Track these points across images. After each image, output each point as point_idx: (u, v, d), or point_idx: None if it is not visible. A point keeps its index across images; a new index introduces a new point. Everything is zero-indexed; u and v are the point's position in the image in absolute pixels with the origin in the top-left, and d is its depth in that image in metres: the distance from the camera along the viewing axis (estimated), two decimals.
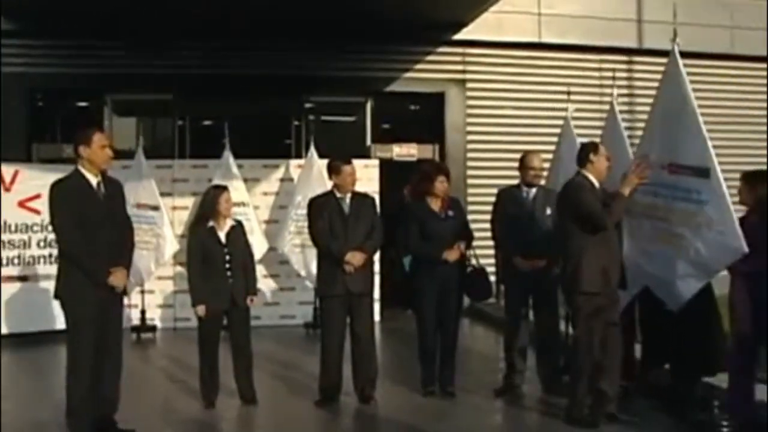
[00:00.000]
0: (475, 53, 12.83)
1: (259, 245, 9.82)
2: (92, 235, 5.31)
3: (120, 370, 5.61)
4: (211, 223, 6.53)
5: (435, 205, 6.75)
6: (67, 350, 5.43)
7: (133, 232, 5.82)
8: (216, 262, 6.45)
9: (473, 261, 6.91)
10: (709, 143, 5.26)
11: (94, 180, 5.44)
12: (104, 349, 5.41)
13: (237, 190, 9.33)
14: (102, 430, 5.49)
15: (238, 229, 6.65)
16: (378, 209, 6.76)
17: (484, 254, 7.34)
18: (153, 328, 10.25)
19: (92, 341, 5.32)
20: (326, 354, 6.51)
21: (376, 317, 7.81)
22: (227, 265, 6.46)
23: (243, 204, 10.18)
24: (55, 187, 5.39)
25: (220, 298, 6.43)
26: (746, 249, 5.04)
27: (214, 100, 12.70)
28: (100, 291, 5.32)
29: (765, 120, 13.25)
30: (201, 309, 6.39)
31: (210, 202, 6.57)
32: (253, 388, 6.59)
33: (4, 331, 9.52)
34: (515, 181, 7.02)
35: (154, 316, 10.54)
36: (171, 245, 10.24)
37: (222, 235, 6.52)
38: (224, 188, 6.76)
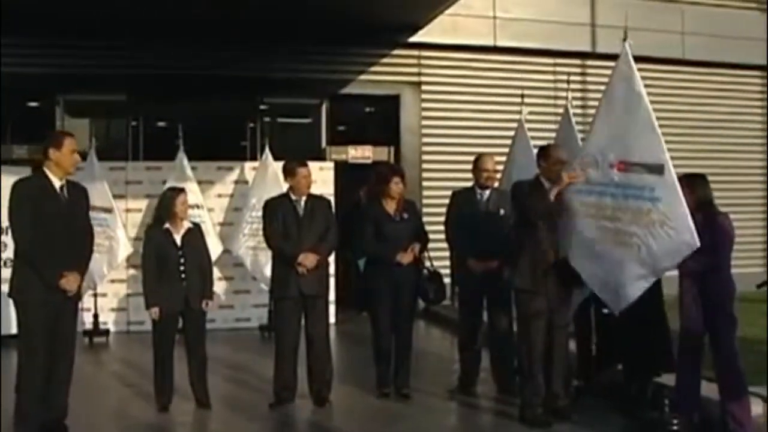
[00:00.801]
0: (431, 56, 12.93)
1: (213, 247, 9.72)
2: (50, 238, 5.31)
3: (71, 374, 5.57)
4: (166, 225, 6.51)
5: (390, 207, 6.78)
6: (18, 353, 5.41)
7: (93, 239, 5.82)
8: (170, 264, 6.42)
9: (427, 263, 6.97)
10: (663, 140, 5.31)
11: (57, 183, 5.44)
12: (56, 353, 5.39)
13: (191, 192, 9.26)
14: None
15: (195, 231, 6.63)
16: (333, 211, 6.77)
17: (439, 256, 7.41)
18: (106, 332, 10.14)
19: (44, 344, 5.29)
20: (280, 356, 6.50)
21: (331, 319, 7.82)
22: (182, 268, 6.43)
23: (197, 206, 10.11)
24: (17, 186, 5.38)
25: (174, 300, 6.41)
26: (698, 243, 5.06)
27: (168, 101, 12.64)
28: (54, 294, 5.30)
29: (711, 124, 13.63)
30: (155, 311, 6.36)
31: (166, 205, 6.55)
32: (207, 391, 6.56)
33: None
34: (470, 183, 7.08)
35: (107, 320, 10.43)
36: (124, 248, 10.13)
37: (177, 238, 6.50)
38: (181, 190, 6.73)
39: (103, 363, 8.97)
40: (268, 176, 10.33)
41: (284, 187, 6.86)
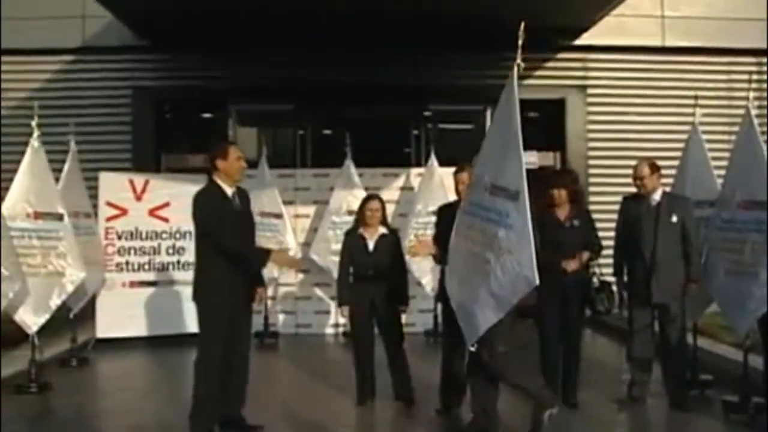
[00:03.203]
0: (597, 58, 12.73)
1: None
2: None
3: (247, 370, 5.87)
4: (360, 231, 6.83)
5: (560, 213, 6.73)
6: (198, 348, 5.70)
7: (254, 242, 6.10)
8: (360, 268, 6.74)
9: (596, 271, 6.84)
10: (524, 166, 5.03)
11: (229, 191, 5.71)
12: (234, 350, 5.68)
13: (357, 198, 9.51)
14: (229, 425, 5.77)
15: (389, 238, 6.86)
16: None
17: (608, 263, 7.27)
18: (275, 334, 10.50)
19: (223, 342, 5.59)
20: (446, 363, 6.52)
21: None
22: (370, 272, 6.72)
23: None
24: (200, 198, 5.66)
25: (363, 302, 6.72)
26: (537, 281, 4.79)
27: (335, 110, 13.00)
28: (233, 296, 5.61)
29: None
30: (344, 310, 6.77)
31: (359, 210, 6.94)
32: (411, 388, 6.80)
33: (134, 334, 10.04)
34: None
35: (276, 323, 10.80)
36: (293, 253, 10.44)
37: (370, 243, 6.78)
38: (373, 197, 7.03)
39: (273, 362, 9.27)
40: (433, 182, 10.45)
41: (449, 193, 6.91)
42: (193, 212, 5.66)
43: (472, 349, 5.32)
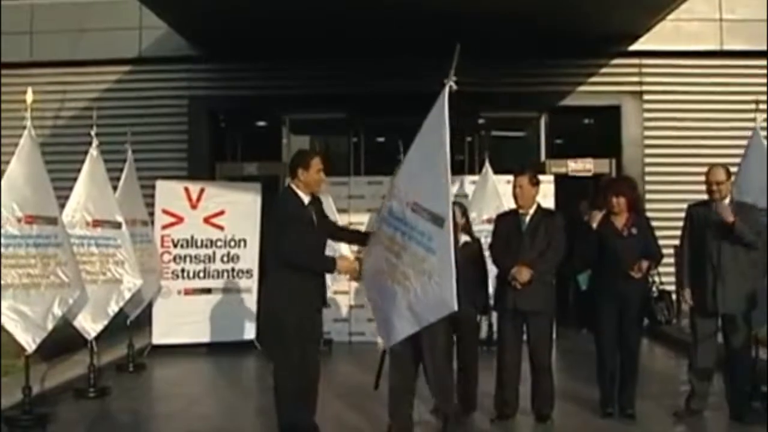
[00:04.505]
0: (653, 63, 12.53)
1: None
2: (312, 249, 5.75)
3: (318, 377, 5.91)
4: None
5: (618, 222, 6.65)
6: (275, 362, 5.76)
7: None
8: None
9: (656, 280, 6.75)
10: (450, 193, 5.09)
11: (305, 198, 5.78)
12: (307, 358, 5.74)
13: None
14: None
15: (472, 246, 6.82)
16: (561, 227, 6.57)
17: (667, 272, 7.17)
18: (329, 342, 10.50)
19: (298, 349, 5.65)
20: (502, 371, 6.54)
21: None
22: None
23: None
24: (281, 204, 5.81)
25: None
26: (455, 307, 4.90)
27: (387, 118, 13.00)
28: (306, 306, 5.70)
29: None
30: None
31: None
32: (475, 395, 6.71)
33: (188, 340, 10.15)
34: (698, 197, 6.80)
35: (330, 330, 10.81)
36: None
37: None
38: (453, 204, 7.01)
39: (330, 371, 9.28)
40: (487, 190, 10.38)
41: (504, 200, 6.87)
42: (275, 220, 5.77)
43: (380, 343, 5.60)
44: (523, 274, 6.28)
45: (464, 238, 6.80)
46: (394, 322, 5.33)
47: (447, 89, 5.19)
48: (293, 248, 5.56)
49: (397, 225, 5.36)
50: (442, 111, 5.20)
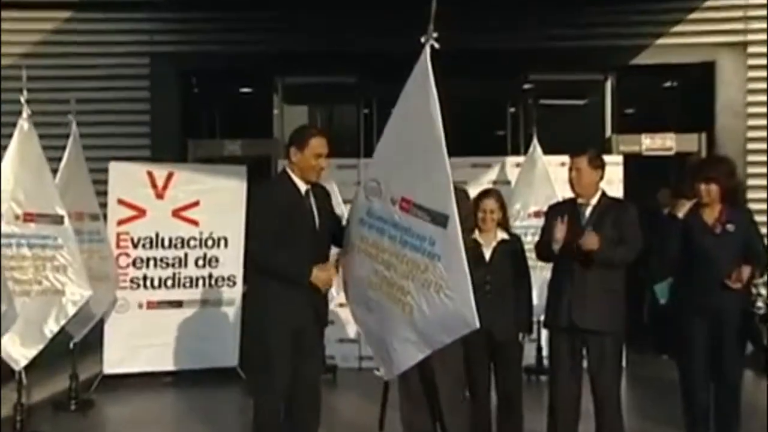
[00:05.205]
0: (761, 3, 12.23)
1: None
2: (296, 249, 5.69)
3: (319, 410, 5.95)
4: (475, 235, 6.75)
5: (708, 215, 6.56)
6: (255, 386, 5.87)
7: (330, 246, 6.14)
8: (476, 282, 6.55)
9: (762, 292, 6.62)
10: (451, 184, 5.07)
11: (303, 187, 5.82)
12: (298, 387, 5.73)
13: None
14: None
15: (510, 245, 6.79)
16: (635, 220, 6.46)
17: None
18: (333, 369, 10.37)
19: (286, 377, 5.65)
20: (554, 407, 6.52)
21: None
22: (487, 288, 6.55)
23: None
24: (260, 190, 5.88)
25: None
26: (477, 324, 4.95)
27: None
28: (298, 317, 5.66)
29: None
30: None
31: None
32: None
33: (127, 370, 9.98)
34: None
35: (334, 353, 10.66)
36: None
37: (486, 252, 6.71)
38: (489, 193, 7.01)
39: (332, 408, 9.20)
40: (536, 175, 10.26)
41: (557, 188, 6.76)
42: (249, 207, 5.94)
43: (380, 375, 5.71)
44: (591, 239, 6.17)
45: (500, 234, 6.79)
46: (394, 348, 5.40)
47: (428, 49, 5.26)
48: (254, 246, 5.61)
49: (382, 228, 5.41)
50: (425, 79, 5.24)
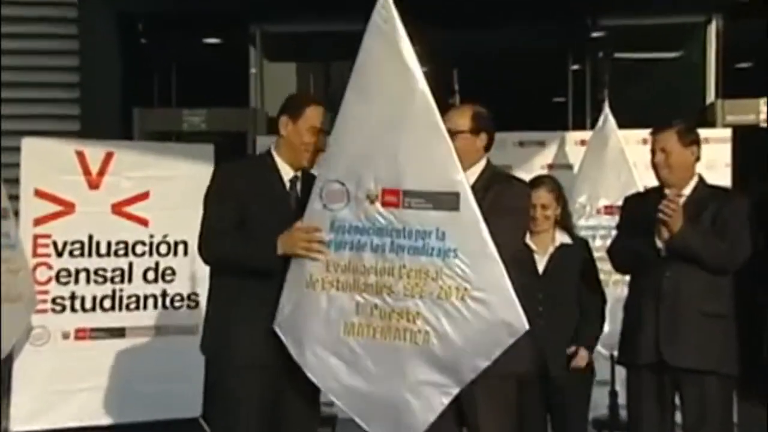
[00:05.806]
0: None
1: None
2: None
3: None
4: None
5: None
6: None
7: None
8: (526, 298, 6.50)
9: None
10: (453, 152, 5.13)
11: (288, 174, 5.89)
12: None
13: None
14: None
15: (573, 250, 6.89)
16: (742, 216, 6.45)
17: None
18: (332, 420, 10.10)
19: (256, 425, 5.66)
20: None
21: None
22: (540, 308, 6.69)
23: None
24: (218, 174, 6.01)
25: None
26: (526, 325, 5.04)
27: (437, 32, 12.79)
28: (270, 348, 5.59)
29: None
30: None
31: None
32: None
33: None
34: None
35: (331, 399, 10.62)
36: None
37: (540, 262, 6.84)
38: (541, 181, 7.14)
39: None
40: (607, 157, 10.17)
41: (635, 173, 6.64)
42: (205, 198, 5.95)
43: None
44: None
45: (559, 237, 6.86)
46: (409, 406, 5.23)
47: None
48: (200, 235, 5.71)
49: (358, 240, 5.35)
50: (393, 27, 5.27)
